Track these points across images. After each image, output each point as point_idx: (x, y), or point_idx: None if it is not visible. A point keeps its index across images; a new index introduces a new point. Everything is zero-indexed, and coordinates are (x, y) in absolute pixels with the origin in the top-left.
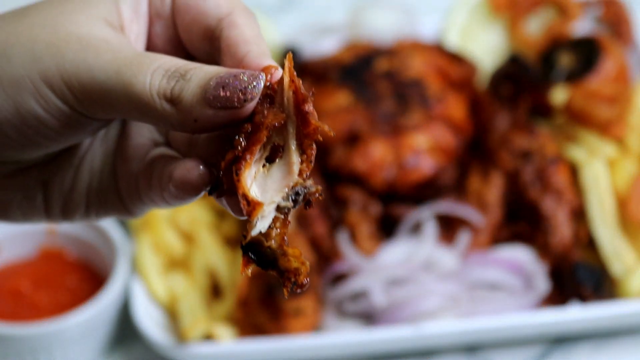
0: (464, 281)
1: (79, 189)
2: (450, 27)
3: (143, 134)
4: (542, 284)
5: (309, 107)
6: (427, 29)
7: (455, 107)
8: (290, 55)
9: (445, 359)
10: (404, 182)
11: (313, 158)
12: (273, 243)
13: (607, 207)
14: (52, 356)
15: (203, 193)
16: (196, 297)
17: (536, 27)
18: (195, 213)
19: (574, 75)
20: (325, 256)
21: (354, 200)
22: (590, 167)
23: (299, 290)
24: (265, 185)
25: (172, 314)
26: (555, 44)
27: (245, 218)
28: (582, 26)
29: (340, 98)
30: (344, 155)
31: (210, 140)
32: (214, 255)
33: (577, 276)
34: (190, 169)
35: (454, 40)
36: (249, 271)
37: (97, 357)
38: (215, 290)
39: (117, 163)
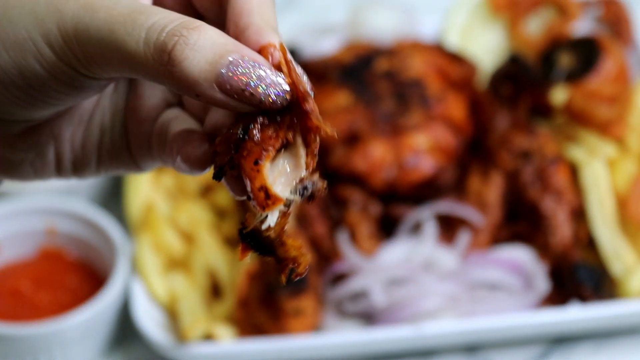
0: (464, 281)
1: (89, 145)
2: (450, 27)
3: (155, 94)
4: (542, 284)
5: (309, 106)
6: (427, 29)
7: (455, 107)
8: (283, 47)
9: (445, 359)
10: (404, 182)
11: (317, 151)
12: (272, 233)
13: (607, 207)
14: (52, 356)
15: (210, 167)
16: (196, 297)
17: (536, 27)
18: (195, 213)
19: (574, 75)
20: (325, 256)
21: (354, 200)
22: (590, 167)
23: (297, 278)
24: (272, 176)
25: (172, 314)
26: (555, 44)
27: (243, 198)
28: (582, 26)
29: (340, 98)
30: (344, 155)
31: (225, 113)
32: (214, 255)
33: (577, 276)
34: (196, 146)
35: (454, 40)
36: (248, 257)
37: (97, 357)
38: (215, 290)
39: (128, 122)
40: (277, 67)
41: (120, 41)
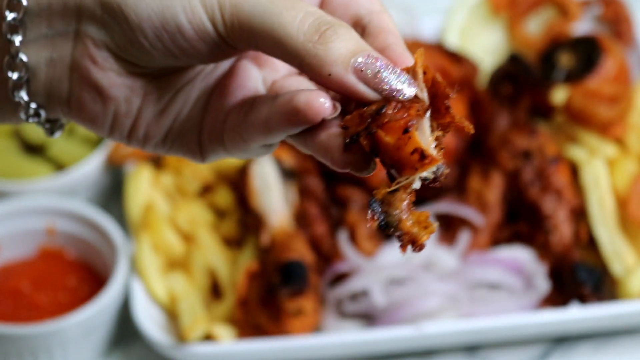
0: (464, 281)
1: (168, 114)
2: (450, 27)
3: (250, 81)
4: (542, 284)
5: (448, 102)
6: (427, 29)
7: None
8: (422, 50)
9: (445, 359)
10: None
11: (443, 145)
12: (402, 206)
13: (607, 207)
14: (52, 356)
15: (300, 129)
16: (196, 297)
17: (536, 27)
18: (195, 213)
19: (574, 75)
20: (325, 256)
21: (354, 200)
22: (590, 167)
23: (417, 250)
24: None
25: (172, 314)
26: (555, 44)
27: (365, 174)
28: (582, 26)
29: None
30: None
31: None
32: (214, 255)
33: (577, 276)
34: (317, 95)
35: (454, 40)
36: (374, 225)
37: (97, 357)
38: (215, 290)
39: (211, 98)
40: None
41: (276, 13)
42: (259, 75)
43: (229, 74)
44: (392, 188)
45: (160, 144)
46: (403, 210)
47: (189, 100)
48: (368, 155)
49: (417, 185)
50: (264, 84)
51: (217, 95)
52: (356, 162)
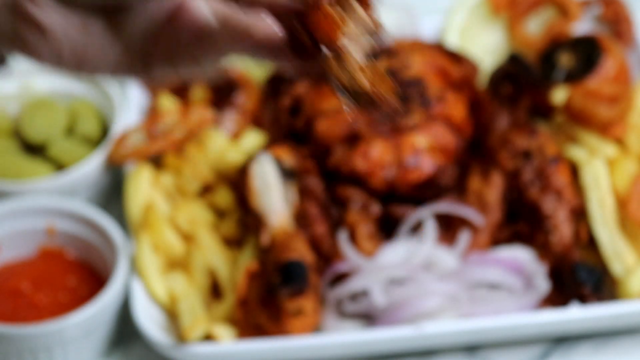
0: (464, 281)
1: (113, 44)
2: (450, 27)
3: (196, 10)
4: (542, 284)
5: None
6: (427, 29)
7: (455, 107)
8: None
9: (445, 359)
10: (404, 182)
11: (375, 17)
12: (355, 66)
13: (607, 207)
14: (52, 356)
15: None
16: (196, 297)
17: (536, 27)
18: (195, 213)
19: (574, 75)
20: (325, 256)
21: (354, 200)
22: (590, 167)
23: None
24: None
25: (172, 314)
26: (555, 44)
27: (325, 66)
28: (582, 26)
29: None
30: (344, 155)
31: None
32: (214, 255)
33: (577, 276)
34: (267, 21)
35: (454, 40)
36: (348, 110)
37: (97, 357)
38: (215, 290)
39: (158, 27)
40: None
41: None
42: (205, 3)
43: (175, 5)
44: (335, 57)
45: (108, 71)
46: (357, 70)
47: (134, 30)
48: (313, 48)
49: (355, 47)
50: (211, 11)
51: (167, 25)
52: (308, 56)
